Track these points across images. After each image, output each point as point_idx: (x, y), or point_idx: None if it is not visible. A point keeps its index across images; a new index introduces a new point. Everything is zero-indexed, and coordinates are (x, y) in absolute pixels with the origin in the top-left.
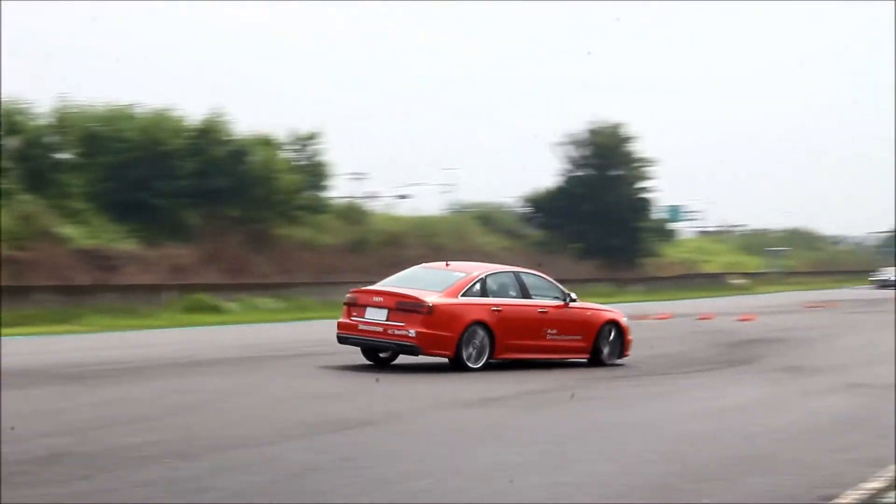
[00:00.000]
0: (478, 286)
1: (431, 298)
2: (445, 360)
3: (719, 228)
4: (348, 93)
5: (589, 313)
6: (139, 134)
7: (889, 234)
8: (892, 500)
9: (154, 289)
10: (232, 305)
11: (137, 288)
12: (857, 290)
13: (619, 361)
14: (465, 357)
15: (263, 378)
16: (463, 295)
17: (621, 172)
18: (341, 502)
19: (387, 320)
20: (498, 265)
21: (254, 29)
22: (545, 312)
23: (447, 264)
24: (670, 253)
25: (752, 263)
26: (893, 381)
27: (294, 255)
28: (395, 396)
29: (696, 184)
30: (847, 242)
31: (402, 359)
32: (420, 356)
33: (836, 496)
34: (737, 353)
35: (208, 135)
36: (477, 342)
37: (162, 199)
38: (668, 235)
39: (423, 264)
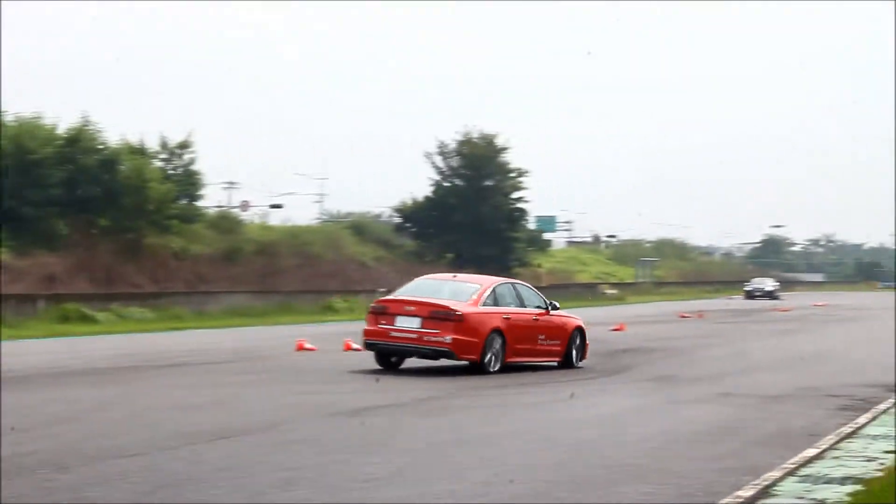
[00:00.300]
0: (490, 296)
1: (461, 307)
2: (466, 363)
3: (592, 239)
4: (221, 101)
5: (564, 320)
6: (8, 142)
7: (756, 244)
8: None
9: (26, 298)
10: (101, 316)
11: (8, 297)
12: (729, 301)
13: (580, 364)
14: (487, 361)
15: (138, 388)
16: (482, 304)
17: (494, 183)
18: None
19: (420, 328)
20: (497, 277)
21: (125, 36)
22: (537, 320)
23: (455, 276)
24: (544, 263)
25: (625, 273)
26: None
27: (166, 264)
28: (272, 406)
29: (570, 194)
30: (717, 253)
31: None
32: (443, 360)
33: None
34: (609, 363)
35: (78, 143)
36: (496, 347)
37: (32, 207)
38: (541, 245)
39: (428, 276)
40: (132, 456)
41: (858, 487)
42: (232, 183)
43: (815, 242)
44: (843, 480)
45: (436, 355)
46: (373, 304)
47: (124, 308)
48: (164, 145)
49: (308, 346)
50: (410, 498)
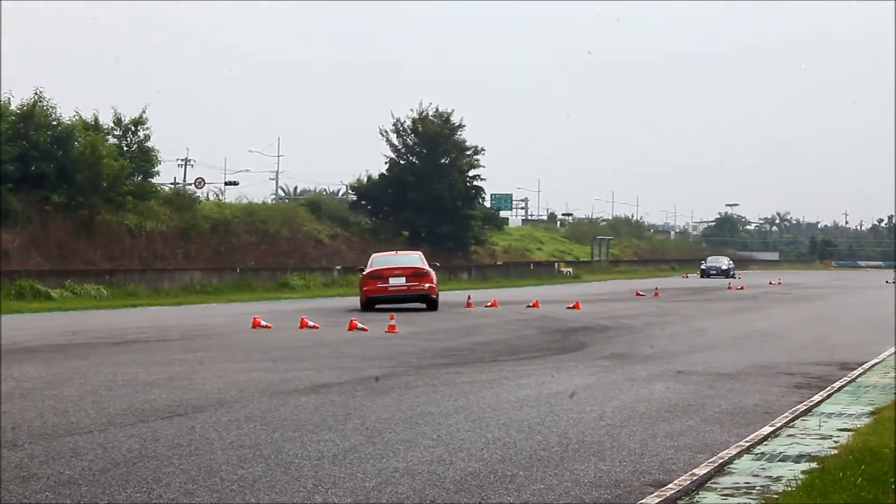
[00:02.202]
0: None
1: (425, 267)
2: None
3: (548, 217)
4: (176, 78)
5: None
6: None
7: (711, 223)
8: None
9: None
10: (55, 293)
11: None
12: (684, 279)
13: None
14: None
15: (91, 365)
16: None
17: (449, 160)
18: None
19: (406, 283)
20: (413, 250)
21: (82, 13)
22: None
23: (396, 252)
24: (500, 241)
25: (580, 252)
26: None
27: (121, 241)
28: (226, 383)
29: (526, 173)
30: (672, 231)
31: None
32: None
33: (666, 482)
34: (565, 341)
35: (32, 119)
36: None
37: None
38: (497, 223)
39: (380, 253)
40: (85, 433)
41: (813, 465)
42: (187, 160)
43: (770, 221)
44: (798, 458)
45: (418, 298)
46: (366, 273)
47: (79, 285)
48: (118, 122)
49: (263, 323)
50: (360, 475)
